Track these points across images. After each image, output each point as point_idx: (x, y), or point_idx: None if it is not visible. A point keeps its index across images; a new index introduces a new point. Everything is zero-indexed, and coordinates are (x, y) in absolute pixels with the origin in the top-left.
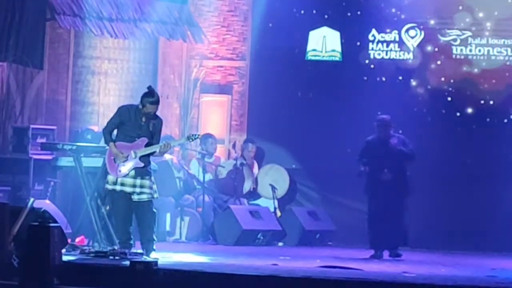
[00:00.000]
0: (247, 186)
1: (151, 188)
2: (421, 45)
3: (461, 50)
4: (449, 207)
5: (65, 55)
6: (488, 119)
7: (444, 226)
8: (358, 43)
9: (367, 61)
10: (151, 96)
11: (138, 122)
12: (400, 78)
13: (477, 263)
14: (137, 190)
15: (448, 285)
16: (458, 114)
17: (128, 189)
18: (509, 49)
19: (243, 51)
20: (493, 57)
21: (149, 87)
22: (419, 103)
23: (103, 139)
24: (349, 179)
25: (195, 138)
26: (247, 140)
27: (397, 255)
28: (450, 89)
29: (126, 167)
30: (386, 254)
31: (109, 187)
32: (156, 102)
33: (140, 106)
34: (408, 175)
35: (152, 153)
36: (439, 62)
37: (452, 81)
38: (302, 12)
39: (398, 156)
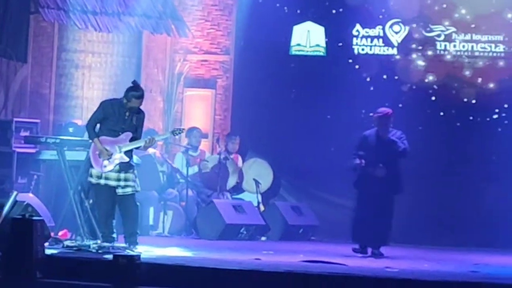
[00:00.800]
0: (232, 181)
1: (134, 181)
2: (405, 41)
3: (445, 46)
4: (432, 203)
5: (49, 48)
6: (471, 117)
7: (427, 222)
8: (342, 40)
9: (351, 58)
10: (136, 90)
11: (121, 116)
12: (385, 77)
13: (459, 259)
14: (122, 183)
15: (431, 280)
16: (441, 112)
17: (112, 183)
18: (493, 45)
19: (227, 45)
20: (477, 53)
21: (134, 82)
22: (404, 99)
23: (87, 133)
24: (332, 174)
25: (179, 133)
26: (231, 133)
27: (380, 254)
28: (434, 86)
29: (111, 163)
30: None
31: (93, 181)
32: (141, 97)
33: (125, 101)
34: (401, 172)
35: (137, 148)
36: (423, 58)
37: (435, 76)
38: (286, 9)
39: (393, 150)
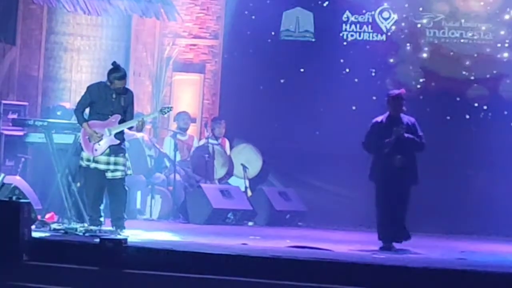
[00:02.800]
0: (222, 171)
1: (124, 165)
2: (394, 27)
3: (434, 33)
4: (419, 190)
5: (37, 31)
6: (458, 110)
7: (415, 209)
8: (331, 26)
9: (340, 44)
10: (117, 71)
11: (109, 99)
12: (374, 71)
13: (447, 246)
14: (111, 167)
15: (418, 267)
16: (428, 108)
17: (102, 167)
18: (482, 33)
19: (216, 30)
20: (465, 41)
21: (114, 63)
22: (392, 87)
23: (75, 116)
24: (320, 160)
25: (168, 111)
26: (217, 117)
27: (402, 249)
28: (423, 73)
29: (101, 146)
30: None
31: (83, 163)
32: (123, 77)
33: (108, 83)
34: (417, 160)
35: (130, 128)
36: (411, 45)
37: (424, 64)
38: None
39: (409, 141)
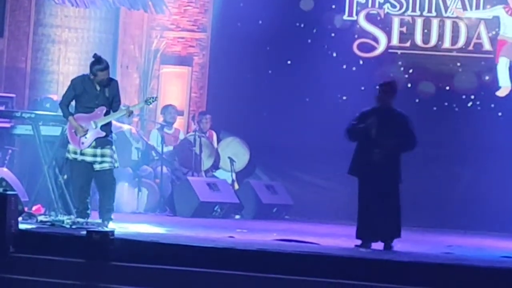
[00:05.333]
0: (208, 163)
1: (111, 157)
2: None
3: (424, 26)
4: (406, 185)
5: (25, 22)
6: (446, 103)
7: (401, 203)
8: (315, 30)
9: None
10: (99, 63)
11: (93, 91)
12: (361, 62)
13: (433, 240)
14: (98, 159)
15: (404, 261)
16: (417, 99)
17: (89, 159)
18: (470, 27)
19: (204, 22)
20: (455, 35)
21: (95, 55)
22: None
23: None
24: (307, 154)
25: (153, 101)
26: (203, 112)
27: (391, 247)
28: (410, 70)
29: (88, 139)
30: (377, 245)
31: (70, 156)
32: (106, 68)
33: (92, 76)
34: (401, 156)
35: (123, 114)
36: (399, 39)
37: (412, 59)
38: None
39: (398, 130)
